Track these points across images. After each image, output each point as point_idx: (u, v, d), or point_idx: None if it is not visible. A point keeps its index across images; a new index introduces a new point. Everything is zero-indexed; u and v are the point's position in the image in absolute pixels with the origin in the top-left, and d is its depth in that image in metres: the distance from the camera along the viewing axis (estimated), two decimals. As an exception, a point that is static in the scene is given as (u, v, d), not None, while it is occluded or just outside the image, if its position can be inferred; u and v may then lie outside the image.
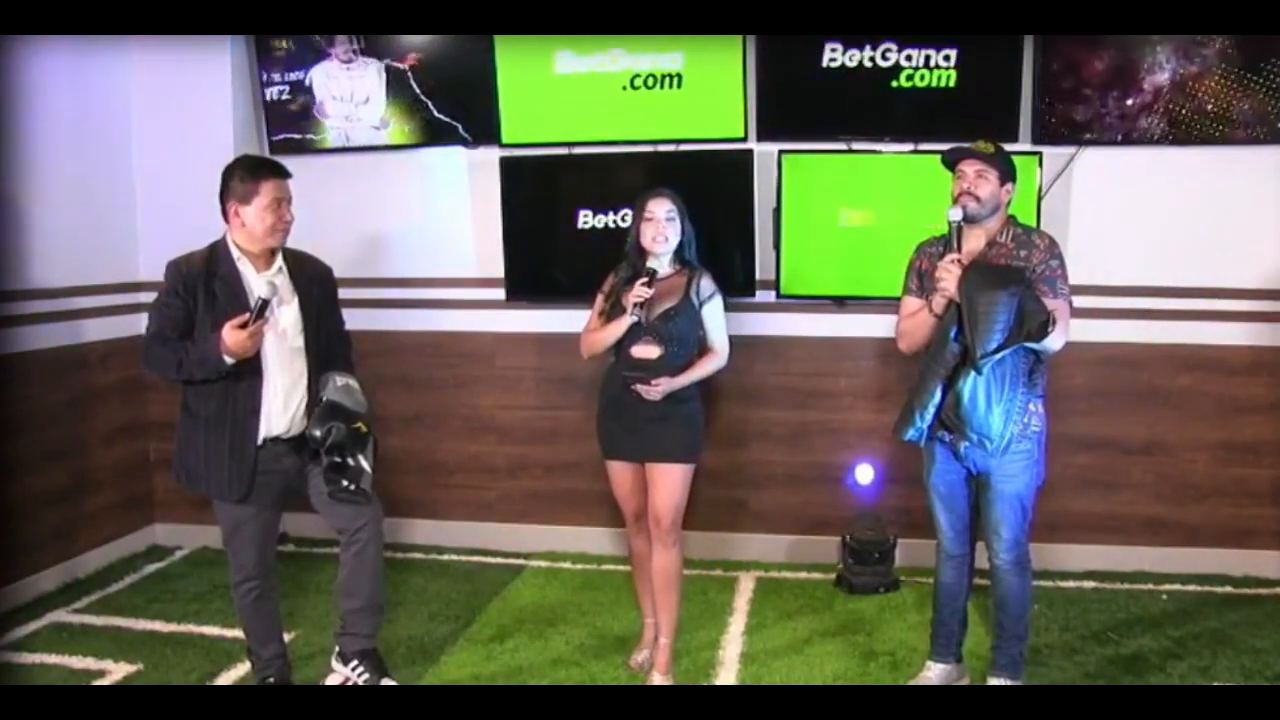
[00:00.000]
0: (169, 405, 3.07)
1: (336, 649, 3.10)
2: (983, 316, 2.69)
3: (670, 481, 3.13)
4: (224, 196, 2.88)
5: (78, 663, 3.43)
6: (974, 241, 2.90)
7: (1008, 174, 2.89)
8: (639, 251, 3.17)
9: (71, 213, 4.15)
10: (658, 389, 3.08)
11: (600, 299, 3.24)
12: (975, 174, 2.86)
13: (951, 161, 2.92)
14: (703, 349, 3.22)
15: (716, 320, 3.21)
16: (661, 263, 3.15)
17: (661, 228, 3.13)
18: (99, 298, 4.28)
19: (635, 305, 3.08)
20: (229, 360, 2.77)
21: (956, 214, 2.85)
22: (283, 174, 2.92)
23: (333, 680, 3.12)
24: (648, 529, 3.19)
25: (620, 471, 3.23)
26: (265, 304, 2.79)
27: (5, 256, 3.84)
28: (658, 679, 3.19)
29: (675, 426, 3.13)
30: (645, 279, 3.10)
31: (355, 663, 3.05)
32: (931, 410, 2.85)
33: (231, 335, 2.75)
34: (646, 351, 3.13)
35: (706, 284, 3.19)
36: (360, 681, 3.03)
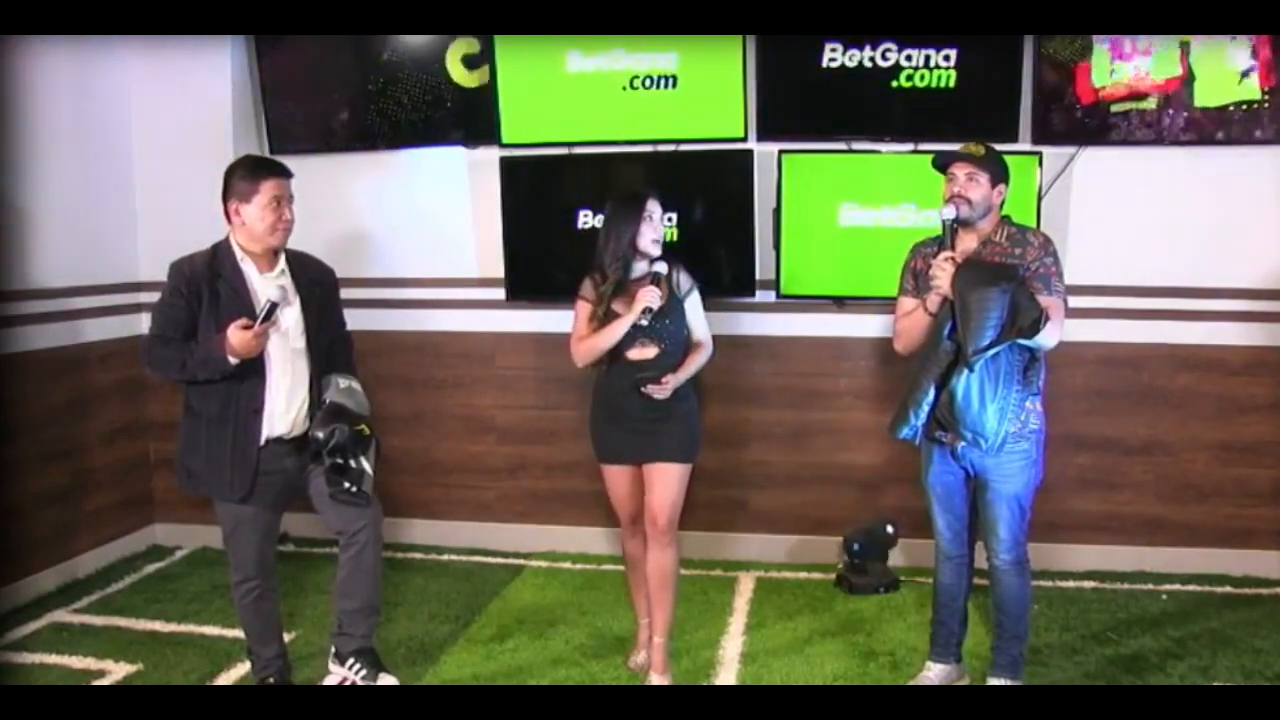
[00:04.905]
0: (169, 405, 3.09)
1: (333, 649, 3.11)
2: (975, 313, 2.70)
3: (668, 481, 3.12)
4: (226, 196, 2.89)
5: (78, 663, 3.43)
6: (968, 242, 2.90)
7: (999, 176, 2.89)
8: (634, 253, 3.13)
9: (71, 213, 4.15)
10: (667, 386, 3.08)
11: (586, 306, 3.18)
12: (966, 177, 2.86)
13: (942, 164, 2.92)
14: (688, 344, 3.21)
15: (698, 313, 3.22)
16: (659, 263, 3.13)
17: (659, 228, 3.14)
18: (99, 298, 4.28)
19: (646, 310, 3.05)
20: (233, 361, 2.78)
21: (950, 212, 2.85)
22: (284, 173, 2.93)
23: (330, 680, 3.12)
24: (644, 532, 3.19)
25: (618, 476, 3.22)
26: (274, 306, 2.80)
27: (5, 256, 3.84)
28: (655, 679, 3.19)
29: (673, 426, 3.13)
30: (653, 282, 3.08)
31: (352, 661, 3.04)
32: (926, 408, 2.85)
33: (237, 336, 2.75)
34: (644, 353, 3.12)
35: (684, 278, 3.19)
36: (358, 679, 3.03)
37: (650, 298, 3.05)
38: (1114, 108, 3.92)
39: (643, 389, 3.09)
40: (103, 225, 4.33)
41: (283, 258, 2.97)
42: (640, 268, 3.13)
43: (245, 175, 2.87)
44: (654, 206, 3.13)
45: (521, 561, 4.39)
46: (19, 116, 3.88)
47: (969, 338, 2.70)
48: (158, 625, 3.75)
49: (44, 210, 3.99)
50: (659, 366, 3.11)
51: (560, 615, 3.82)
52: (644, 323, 3.07)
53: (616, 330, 3.10)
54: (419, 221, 4.48)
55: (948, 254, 2.82)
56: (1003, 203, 2.93)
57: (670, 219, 4.09)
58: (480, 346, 4.51)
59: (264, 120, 4.48)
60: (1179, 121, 3.90)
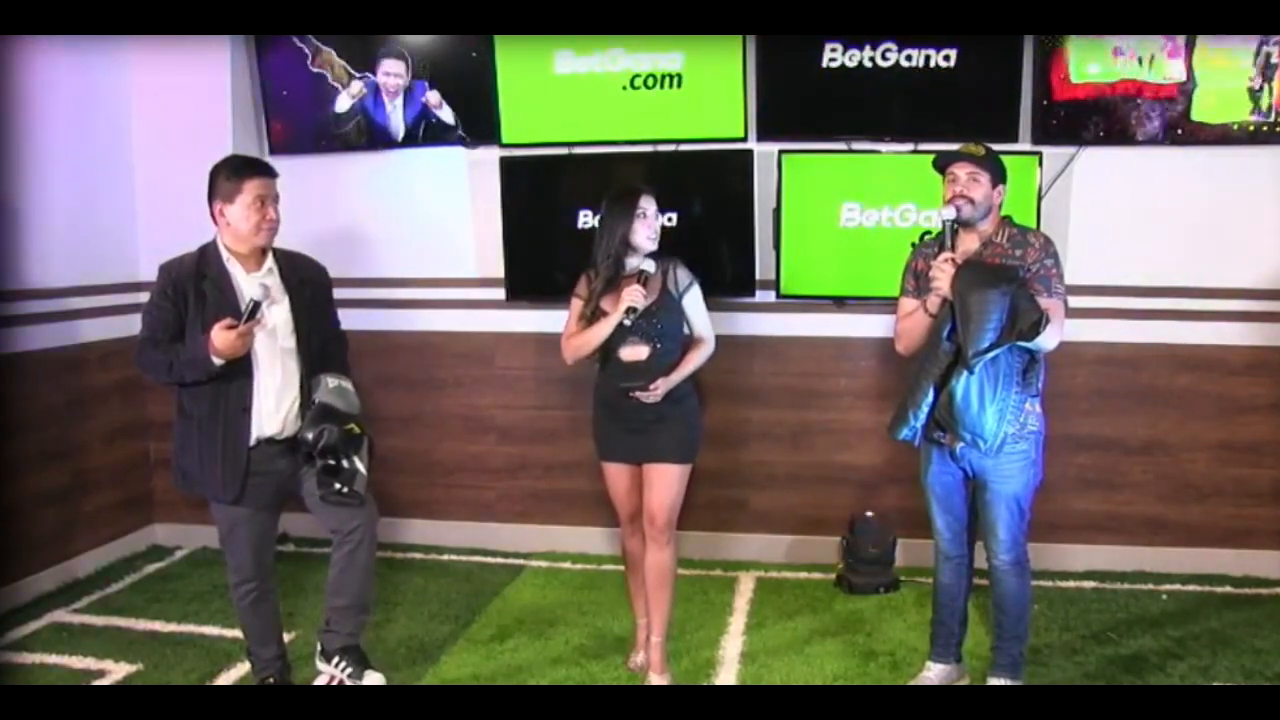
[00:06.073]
0: (168, 405, 3.08)
1: (319, 646, 3.09)
2: (975, 315, 2.70)
3: (666, 481, 3.11)
4: (211, 197, 2.88)
5: (78, 663, 3.43)
6: (968, 243, 2.91)
7: (999, 176, 2.90)
8: (627, 249, 3.11)
9: (71, 213, 4.15)
10: (656, 392, 3.06)
11: (578, 303, 3.18)
12: (967, 176, 2.86)
13: (943, 165, 2.92)
14: (689, 341, 3.19)
15: (698, 309, 3.18)
16: (647, 261, 3.10)
17: (653, 224, 3.10)
18: (98, 298, 4.28)
19: (630, 310, 3.03)
20: (218, 361, 2.77)
21: (950, 213, 2.85)
22: (267, 172, 2.90)
23: (320, 680, 3.12)
24: (643, 530, 3.18)
25: (617, 473, 3.22)
26: (256, 305, 2.79)
27: (5, 256, 3.84)
28: (654, 679, 3.19)
29: (672, 426, 3.11)
30: (639, 281, 3.05)
31: (338, 659, 3.03)
32: (925, 409, 2.85)
33: (220, 336, 2.75)
34: (635, 353, 3.10)
35: (683, 274, 3.15)
36: (344, 676, 3.01)
37: (633, 297, 3.03)
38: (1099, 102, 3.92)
39: (630, 395, 3.07)
40: (103, 225, 4.33)
41: (271, 256, 2.95)
42: (634, 264, 3.11)
43: (229, 175, 2.86)
44: (648, 203, 3.10)
45: (521, 561, 4.39)
46: (19, 116, 3.88)
47: (969, 340, 2.70)
48: (158, 625, 3.75)
49: (44, 210, 3.99)
50: (651, 367, 3.09)
51: (560, 615, 3.82)
52: (627, 323, 3.05)
53: (601, 330, 3.09)
54: (419, 221, 4.48)
55: (947, 255, 2.82)
56: (1002, 204, 2.93)
57: (670, 219, 4.08)
58: (480, 346, 4.51)
59: (264, 120, 4.48)
60: (1175, 130, 3.90)
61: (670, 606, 3.19)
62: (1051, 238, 2.95)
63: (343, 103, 4.32)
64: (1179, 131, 3.89)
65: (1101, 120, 3.93)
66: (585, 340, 3.14)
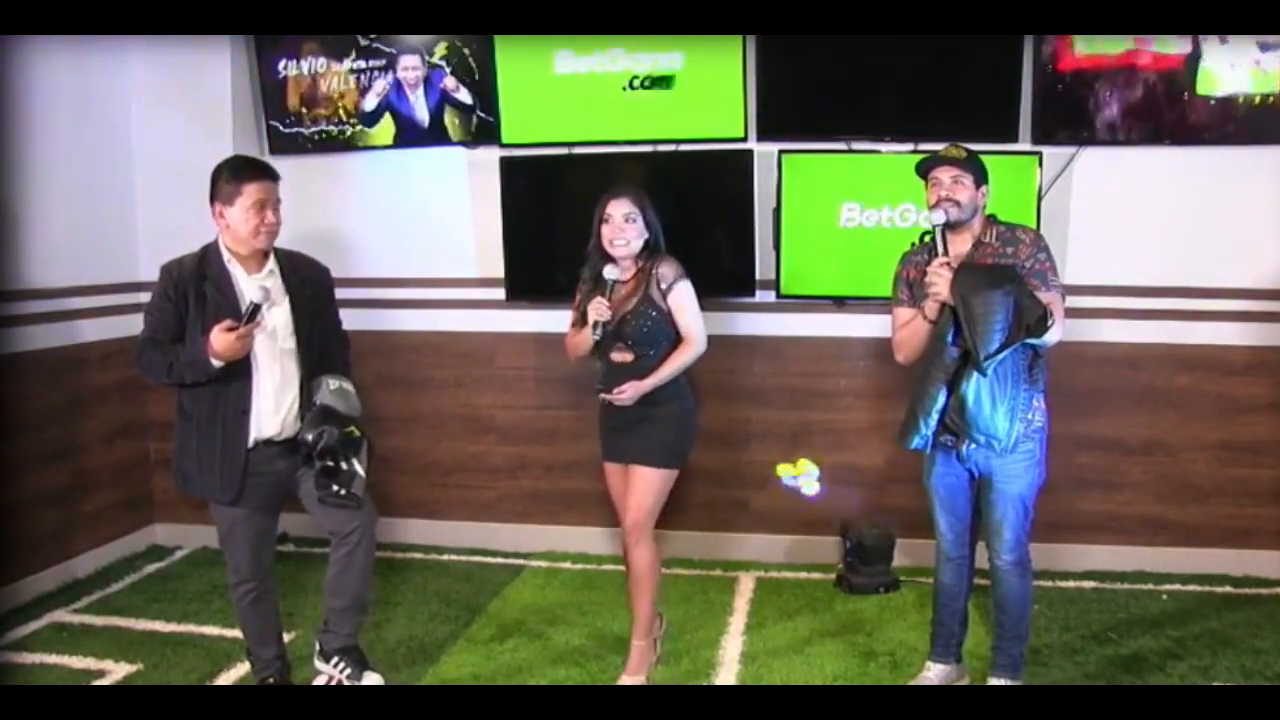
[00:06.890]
0: (169, 405, 3.08)
1: (318, 646, 3.09)
2: (980, 318, 2.70)
3: (644, 484, 3.09)
4: (211, 198, 2.88)
5: (78, 663, 3.43)
6: (959, 245, 2.90)
7: (981, 177, 2.91)
8: (600, 254, 3.09)
9: (71, 213, 4.15)
10: (624, 396, 3.04)
11: (576, 300, 3.21)
12: (951, 180, 2.86)
13: (925, 170, 2.92)
14: (679, 339, 3.12)
15: (684, 306, 3.07)
16: (620, 265, 3.07)
17: (620, 230, 3.04)
18: (98, 298, 4.28)
19: (597, 325, 3.01)
20: (217, 363, 2.77)
21: (939, 217, 2.85)
22: (269, 175, 2.89)
23: (319, 680, 3.12)
24: None
25: (612, 472, 3.22)
26: (257, 308, 2.78)
27: (5, 257, 3.84)
28: (626, 679, 3.17)
29: (655, 428, 3.08)
30: (603, 295, 3.03)
31: (336, 659, 3.03)
32: (936, 416, 2.85)
33: (220, 338, 2.74)
34: (623, 356, 3.09)
35: (666, 270, 3.07)
36: (343, 677, 3.02)
37: (597, 312, 3.01)
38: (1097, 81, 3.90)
39: (602, 397, 3.08)
40: (103, 225, 4.33)
41: (272, 258, 2.95)
42: (609, 270, 3.06)
43: (229, 177, 2.86)
44: (617, 207, 3.05)
45: (521, 561, 4.39)
46: (19, 116, 3.88)
47: (978, 343, 2.69)
48: (158, 625, 3.75)
49: (44, 210, 3.99)
50: (636, 370, 3.07)
51: (560, 615, 3.82)
52: (596, 337, 3.04)
53: (584, 338, 3.11)
54: (419, 221, 4.48)
55: (943, 260, 2.82)
56: (985, 204, 2.94)
57: (670, 219, 4.07)
58: (480, 346, 4.51)
59: (264, 120, 4.48)
60: (1176, 109, 3.88)
61: (650, 607, 3.16)
62: (1049, 237, 2.96)
63: (370, 101, 4.35)
64: (1185, 98, 3.86)
65: (1106, 93, 3.89)
66: (574, 345, 3.20)
